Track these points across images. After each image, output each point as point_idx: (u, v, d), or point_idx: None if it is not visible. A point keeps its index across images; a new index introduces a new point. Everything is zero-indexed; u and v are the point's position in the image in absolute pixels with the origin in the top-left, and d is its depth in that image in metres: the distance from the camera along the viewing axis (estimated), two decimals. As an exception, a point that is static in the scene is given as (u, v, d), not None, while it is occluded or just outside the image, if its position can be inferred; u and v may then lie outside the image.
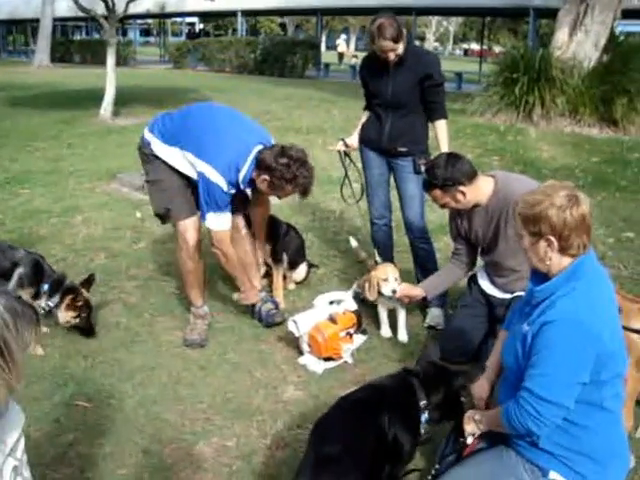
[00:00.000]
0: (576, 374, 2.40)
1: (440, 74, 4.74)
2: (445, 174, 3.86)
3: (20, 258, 4.29)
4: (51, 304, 4.28)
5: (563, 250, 2.49)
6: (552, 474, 2.55)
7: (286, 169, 3.97)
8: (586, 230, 2.49)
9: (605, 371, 2.43)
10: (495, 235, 3.97)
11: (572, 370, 2.40)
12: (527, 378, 2.47)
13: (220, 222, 4.20)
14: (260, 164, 4.03)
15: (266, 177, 4.02)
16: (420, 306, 4.92)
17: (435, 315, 4.76)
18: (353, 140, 5.03)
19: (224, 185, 4.07)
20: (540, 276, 2.63)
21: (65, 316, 4.32)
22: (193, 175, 4.19)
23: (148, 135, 4.40)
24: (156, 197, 4.52)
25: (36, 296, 4.26)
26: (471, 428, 2.79)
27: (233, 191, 4.15)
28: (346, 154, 5.10)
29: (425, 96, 4.70)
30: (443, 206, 4.07)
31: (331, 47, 64.32)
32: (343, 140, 5.05)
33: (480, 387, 3.02)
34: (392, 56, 4.52)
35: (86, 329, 4.42)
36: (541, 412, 2.41)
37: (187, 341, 4.41)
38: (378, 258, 5.00)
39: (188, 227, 4.39)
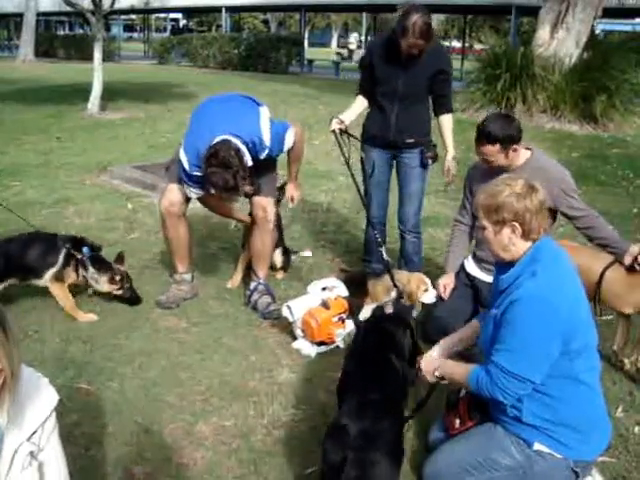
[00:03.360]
0: (541, 348, 2.55)
1: (451, 66, 4.84)
2: (508, 131, 3.99)
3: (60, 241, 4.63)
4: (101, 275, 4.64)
5: (525, 235, 2.68)
6: (536, 445, 2.70)
7: (206, 166, 4.17)
8: (545, 215, 2.69)
9: (575, 341, 2.59)
10: None
11: (537, 345, 2.55)
12: (494, 352, 2.62)
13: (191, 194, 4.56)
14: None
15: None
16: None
17: None
18: (346, 117, 4.89)
19: (186, 165, 4.36)
20: (504, 266, 2.80)
21: (108, 289, 4.70)
22: None
23: None
24: (173, 154, 4.85)
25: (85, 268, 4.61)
26: (431, 378, 2.98)
27: (198, 172, 4.33)
28: (342, 131, 4.87)
29: (434, 89, 4.77)
30: (490, 162, 4.13)
31: (314, 44, 64.30)
32: (338, 118, 4.85)
33: (429, 361, 3.07)
34: (415, 52, 4.49)
35: (134, 298, 4.80)
36: (507, 385, 2.57)
37: (156, 301, 4.84)
38: (385, 256, 4.75)
39: (165, 192, 4.75)
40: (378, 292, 4.61)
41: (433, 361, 3.00)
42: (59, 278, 4.52)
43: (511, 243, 2.70)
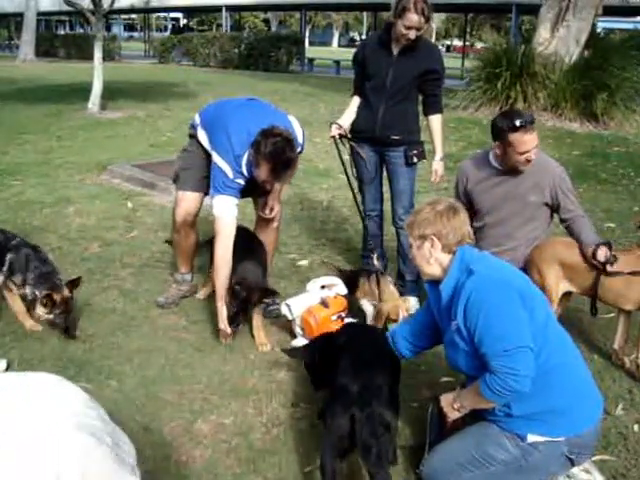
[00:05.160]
0: (515, 315, 2.62)
1: (443, 68, 4.82)
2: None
3: (14, 245, 4.37)
4: (37, 294, 4.24)
5: (445, 249, 2.85)
6: (530, 437, 2.74)
7: (264, 139, 3.93)
8: (466, 232, 2.89)
9: (537, 310, 2.68)
10: (507, 196, 4.16)
11: (510, 314, 2.62)
12: (486, 350, 2.62)
13: (222, 207, 4.19)
14: (252, 142, 4.04)
15: (251, 152, 4.03)
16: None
17: (412, 304, 4.84)
18: (344, 121, 4.93)
19: (230, 173, 4.12)
20: (435, 283, 2.95)
21: (39, 311, 4.26)
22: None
23: (197, 117, 4.53)
24: (177, 161, 4.76)
25: (23, 284, 4.28)
26: (455, 415, 2.92)
27: (240, 180, 4.18)
28: (342, 136, 4.92)
29: (424, 89, 4.76)
30: (531, 160, 4.04)
31: (314, 42, 64.41)
32: (337, 123, 4.90)
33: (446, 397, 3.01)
34: (413, 35, 4.47)
35: (63, 329, 4.29)
36: (513, 366, 2.55)
37: (155, 302, 4.82)
38: (376, 262, 4.75)
39: (180, 200, 4.59)
40: (366, 290, 4.61)
41: (449, 395, 2.97)
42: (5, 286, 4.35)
43: (432, 256, 2.88)
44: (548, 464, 2.79)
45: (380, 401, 2.83)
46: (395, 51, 4.65)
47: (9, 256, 4.30)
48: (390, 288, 4.54)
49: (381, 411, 2.79)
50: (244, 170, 4.16)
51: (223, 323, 4.22)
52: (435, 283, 2.96)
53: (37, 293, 4.24)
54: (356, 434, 2.74)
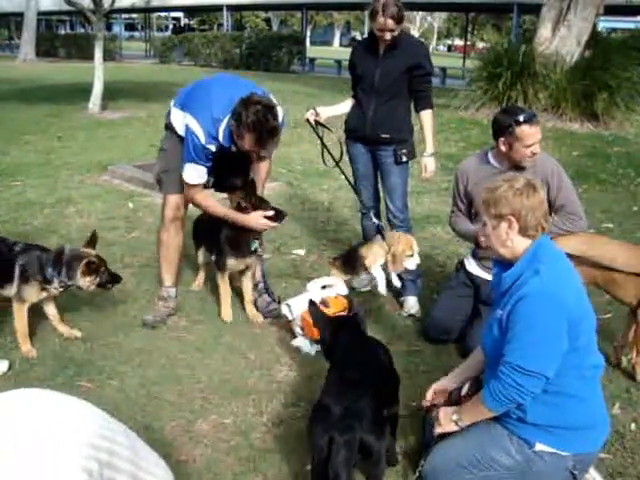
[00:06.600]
0: (552, 343, 2.54)
1: (430, 64, 4.83)
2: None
3: (22, 249, 4.13)
4: (66, 280, 4.07)
5: (522, 231, 2.68)
6: (538, 446, 2.70)
7: (244, 110, 3.92)
8: (543, 214, 2.70)
9: (582, 336, 2.58)
10: None
11: (548, 340, 2.53)
12: (506, 352, 2.60)
13: (192, 175, 4.27)
14: (232, 111, 4.04)
15: (232, 122, 4.04)
16: (395, 295, 5.05)
17: (411, 305, 4.87)
18: (324, 110, 4.95)
19: (202, 137, 4.12)
20: (504, 263, 2.80)
21: (86, 282, 4.10)
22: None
23: (171, 104, 4.51)
24: (158, 164, 4.71)
25: (47, 282, 4.06)
26: (451, 428, 2.88)
27: (212, 147, 4.18)
28: (317, 122, 4.90)
29: (413, 85, 4.77)
30: (536, 153, 4.08)
31: (315, 42, 64.42)
32: (314, 109, 4.92)
33: (445, 411, 2.98)
34: (388, 36, 4.53)
35: (110, 281, 4.26)
36: (521, 383, 2.53)
37: (143, 320, 4.58)
38: (374, 219, 4.88)
39: (169, 202, 4.58)
40: (376, 253, 4.70)
41: (448, 410, 2.93)
42: (20, 298, 4.09)
43: (509, 238, 2.70)
44: (552, 476, 2.76)
45: (362, 425, 2.68)
46: (381, 51, 4.70)
47: (19, 263, 4.03)
48: (391, 233, 4.73)
49: (363, 435, 2.66)
50: (220, 136, 4.15)
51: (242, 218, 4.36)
52: (501, 263, 2.85)
53: (64, 275, 4.04)
54: (330, 458, 2.61)
